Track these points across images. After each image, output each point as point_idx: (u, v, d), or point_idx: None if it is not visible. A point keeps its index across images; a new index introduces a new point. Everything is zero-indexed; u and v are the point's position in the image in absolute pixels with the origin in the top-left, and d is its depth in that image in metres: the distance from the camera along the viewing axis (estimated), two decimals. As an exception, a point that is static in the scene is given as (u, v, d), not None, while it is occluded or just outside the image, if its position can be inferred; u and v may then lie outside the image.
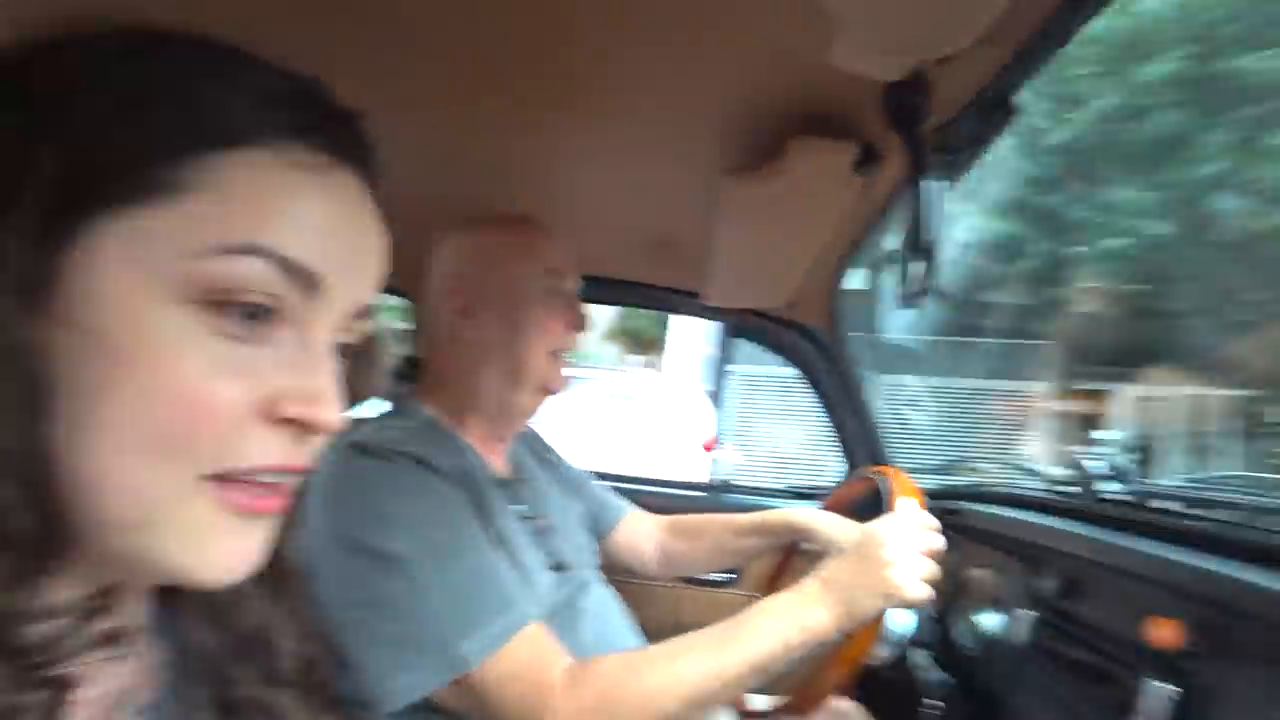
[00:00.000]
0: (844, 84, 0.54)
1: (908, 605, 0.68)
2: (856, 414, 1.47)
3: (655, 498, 1.32)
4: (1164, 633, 0.61)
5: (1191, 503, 0.73)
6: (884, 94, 0.52)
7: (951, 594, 1.08)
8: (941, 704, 0.97)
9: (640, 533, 1.08)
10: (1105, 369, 6.46)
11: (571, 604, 0.77)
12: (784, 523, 0.94)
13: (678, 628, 0.68)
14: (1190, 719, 0.56)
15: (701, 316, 1.54)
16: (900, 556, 0.68)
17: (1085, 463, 0.82)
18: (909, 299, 0.89)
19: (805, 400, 1.60)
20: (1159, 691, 0.59)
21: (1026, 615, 0.83)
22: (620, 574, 1.02)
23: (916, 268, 0.59)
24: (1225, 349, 6.07)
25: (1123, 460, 0.83)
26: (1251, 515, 0.69)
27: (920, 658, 0.98)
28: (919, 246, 0.56)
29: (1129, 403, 6.51)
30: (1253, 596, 0.55)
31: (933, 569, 0.69)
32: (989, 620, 0.98)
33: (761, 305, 1.38)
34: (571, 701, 0.60)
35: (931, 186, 0.55)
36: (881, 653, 1.02)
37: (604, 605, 0.85)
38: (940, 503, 1.24)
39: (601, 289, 1.26)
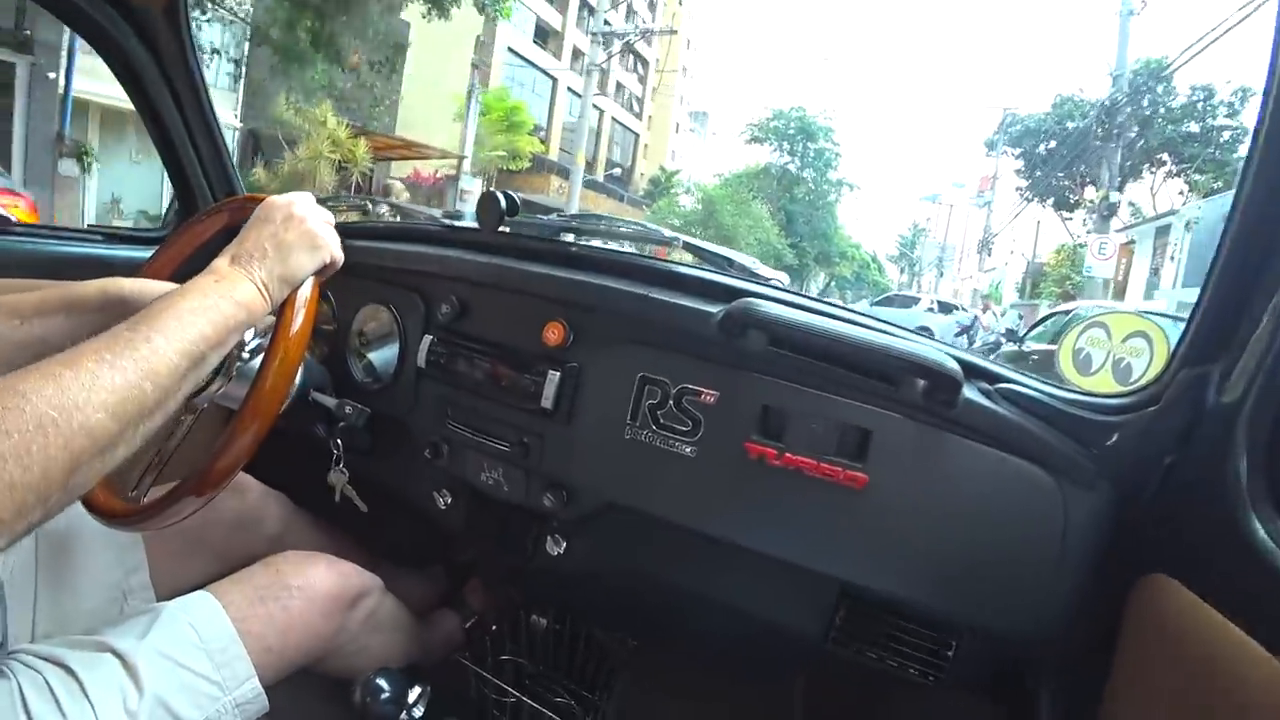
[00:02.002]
0: None
1: (332, 265, 0.67)
2: (206, 132, 1.14)
3: None
4: (553, 334, 0.78)
5: (556, 230, 0.93)
6: None
7: (339, 338, 1.07)
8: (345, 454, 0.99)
9: None
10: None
11: None
12: (102, 295, 0.69)
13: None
14: (571, 389, 0.78)
15: None
16: (309, 212, 0.65)
17: (491, 201, 0.90)
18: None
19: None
20: (553, 377, 0.77)
21: (424, 341, 0.91)
22: None
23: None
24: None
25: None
26: (607, 238, 0.94)
27: (324, 399, 0.95)
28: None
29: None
30: (612, 294, 0.76)
31: (337, 237, 0.68)
32: (382, 355, 1.02)
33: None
34: None
35: None
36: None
37: None
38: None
39: None
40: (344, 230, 1.15)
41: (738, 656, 0.88)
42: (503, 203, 0.83)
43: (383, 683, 0.76)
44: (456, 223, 1.01)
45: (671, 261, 0.78)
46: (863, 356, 0.63)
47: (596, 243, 0.87)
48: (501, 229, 0.87)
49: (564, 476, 0.79)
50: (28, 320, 0.67)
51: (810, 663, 0.90)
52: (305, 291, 0.65)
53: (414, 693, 0.80)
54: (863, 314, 0.74)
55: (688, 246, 0.86)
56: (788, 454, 0.66)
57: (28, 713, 0.55)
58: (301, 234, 0.64)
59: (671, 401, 0.71)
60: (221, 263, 0.60)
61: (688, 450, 0.70)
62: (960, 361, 0.66)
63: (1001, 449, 0.64)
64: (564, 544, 0.84)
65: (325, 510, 1.15)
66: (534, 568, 0.89)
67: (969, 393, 0.64)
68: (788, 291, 0.74)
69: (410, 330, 0.95)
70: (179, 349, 0.51)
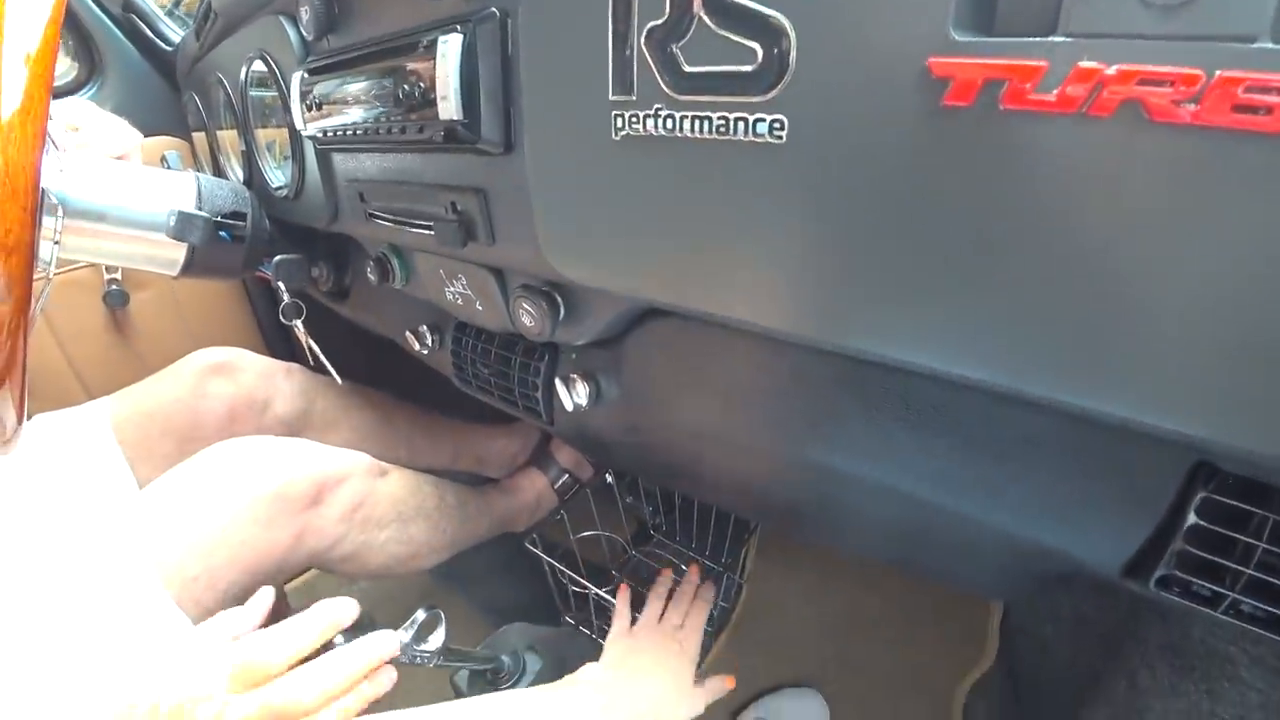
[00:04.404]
0: None
1: None
2: None
3: None
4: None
5: None
6: None
7: (247, 152, 0.71)
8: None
9: None
10: None
11: None
12: None
13: None
14: (493, 67, 0.35)
15: None
16: None
17: None
18: None
19: None
20: (448, 49, 0.35)
21: (294, 82, 0.51)
22: None
23: None
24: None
25: None
26: None
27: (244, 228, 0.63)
28: None
29: None
30: None
31: None
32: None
33: None
34: None
35: None
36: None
37: None
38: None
39: None
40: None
41: (927, 564, 0.49)
42: None
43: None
44: None
45: None
46: None
47: None
48: None
49: (535, 263, 0.40)
50: None
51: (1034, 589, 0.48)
52: None
53: (412, 626, 0.53)
54: None
55: None
56: (1080, 65, 0.20)
57: None
58: None
59: (700, 6, 0.26)
60: None
61: (762, 126, 0.26)
62: None
63: None
64: (584, 391, 0.47)
65: (373, 375, 0.90)
66: (566, 432, 0.55)
67: None
68: None
69: (287, 78, 0.56)
70: None
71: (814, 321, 0.28)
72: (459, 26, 0.34)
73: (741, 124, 0.26)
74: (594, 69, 0.29)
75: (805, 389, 0.36)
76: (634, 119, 0.29)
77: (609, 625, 0.67)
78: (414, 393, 0.99)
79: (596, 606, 0.81)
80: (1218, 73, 0.19)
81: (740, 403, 0.40)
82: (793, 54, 0.24)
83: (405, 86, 0.38)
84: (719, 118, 0.26)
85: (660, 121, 0.28)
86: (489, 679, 0.65)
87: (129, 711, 0.39)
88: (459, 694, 0.65)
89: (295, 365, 0.89)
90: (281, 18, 0.55)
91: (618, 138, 0.30)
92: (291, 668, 0.43)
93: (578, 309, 0.42)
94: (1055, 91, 0.21)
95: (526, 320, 0.43)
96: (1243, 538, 0.30)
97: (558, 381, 0.48)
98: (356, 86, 0.43)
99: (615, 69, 0.29)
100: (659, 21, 0.27)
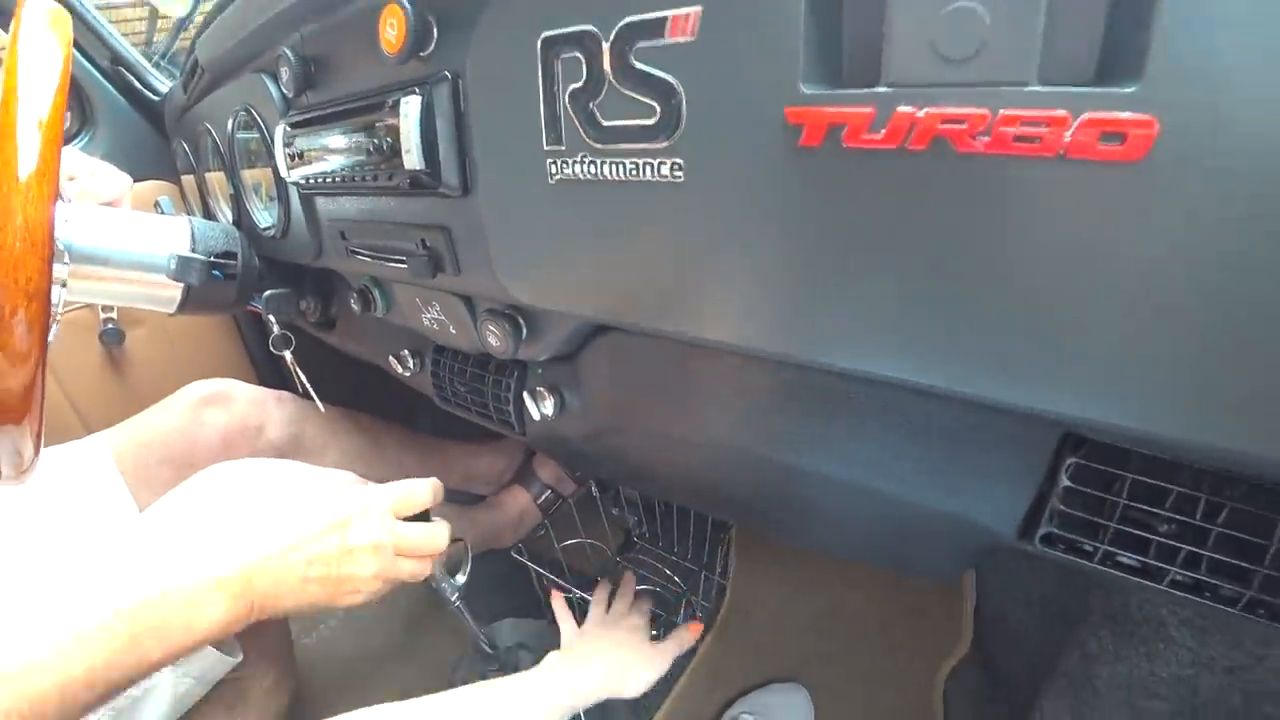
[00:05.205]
0: None
1: None
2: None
3: None
4: (392, 30, 0.40)
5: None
6: None
7: (237, 181, 0.77)
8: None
9: None
10: None
11: None
12: None
13: None
14: (449, 123, 0.40)
15: None
16: None
17: None
18: None
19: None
20: (408, 110, 0.40)
21: (277, 134, 0.57)
22: None
23: None
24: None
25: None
26: None
27: (232, 266, 0.68)
28: None
29: None
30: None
31: None
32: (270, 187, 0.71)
33: None
34: None
35: None
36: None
37: None
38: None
39: None
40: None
41: (873, 547, 0.54)
42: None
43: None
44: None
45: None
46: None
47: None
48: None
49: (494, 289, 0.45)
50: None
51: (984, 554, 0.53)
52: None
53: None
54: None
55: None
56: (899, 110, 0.25)
57: None
58: None
59: (610, 73, 0.31)
60: None
61: (665, 168, 0.31)
62: None
63: None
64: (549, 403, 0.52)
65: (361, 399, 0.95)
66: (537, 441, 0.59)
67: None
68: None
69: (271, 131, 0.62)
70: None
71: (726, 330, 0.33)
72: (418, 89, 0.40)
73: (649, 167, 0.31)
74: (530, 124, 0.35)
75: (734, 387, 0.41)
76: (565, 165, 0.34)
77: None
78: (401, 414, 1.03)
79: (580, 608, 0.85)
80: (1001, 111, 0.24)
81: (683, 404, 0.45)
82: (683, 108, 0.30)
83: (375, 140, 0.43)
84: (631, 163, 0.32)
85: (585, 167, 0.33)
86: (485, 679, 0.69)
87: (332, 525, 0.50)
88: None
89: (286, 393, 0.93)
90: (264, 75, 0.61)
91: (553, 181, 0.35)
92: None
93: (537, 328, 0.47)
94: (882, 132, 0.26)
95: (493, 340, 0.48)
96: (1109, 496, 0.34)
97: (526, 395, 0.53)
98: (333, 139, 0.48)
99: (547, 123, 0.34)
100: (579, 84, 0.32)
